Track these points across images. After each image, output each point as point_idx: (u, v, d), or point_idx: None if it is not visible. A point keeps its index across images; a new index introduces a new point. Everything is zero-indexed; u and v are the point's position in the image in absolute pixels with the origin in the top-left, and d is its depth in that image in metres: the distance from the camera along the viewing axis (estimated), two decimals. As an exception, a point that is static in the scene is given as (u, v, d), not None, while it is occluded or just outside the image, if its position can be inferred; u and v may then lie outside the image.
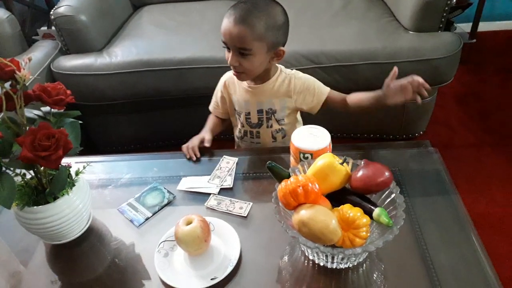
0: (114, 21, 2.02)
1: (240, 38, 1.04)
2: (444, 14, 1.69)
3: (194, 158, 1.14)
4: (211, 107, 1.33)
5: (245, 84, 1.19)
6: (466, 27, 2.70)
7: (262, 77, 1.17)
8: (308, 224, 0.73)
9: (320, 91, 1.19)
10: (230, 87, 1.24)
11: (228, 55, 1.09)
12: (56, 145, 0.74)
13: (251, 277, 0.83)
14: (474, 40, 2.67)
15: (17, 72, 0.75)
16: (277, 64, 1.19)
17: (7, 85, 0.77)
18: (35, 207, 0.83)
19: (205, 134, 1.21)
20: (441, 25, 1.73)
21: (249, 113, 1.22)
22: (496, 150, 1.93)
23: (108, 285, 0.85)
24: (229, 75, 1.25)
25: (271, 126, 1.24)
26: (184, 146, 1.18)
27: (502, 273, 0.88)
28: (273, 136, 1.25)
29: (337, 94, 1.21)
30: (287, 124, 1.25)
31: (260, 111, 1.21)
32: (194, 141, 1.18)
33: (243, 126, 1.26)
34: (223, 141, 1.35)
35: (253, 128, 1.25)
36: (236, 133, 1.32)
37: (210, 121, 1.31)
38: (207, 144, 1.17)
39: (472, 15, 2.60)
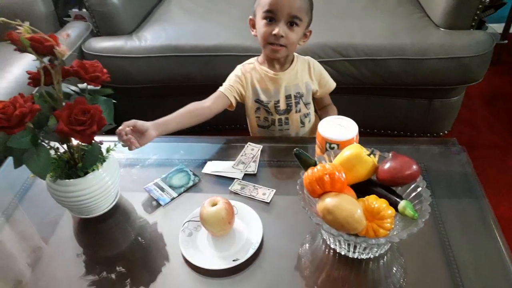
0: (144, 5, 2.03)
1: (296, 5, 1.08)
2: (478, 12, 1.65)
3: (134, 147, 0.97)
4: (223, 88, 1.21)
5: (270, 72, 1.20)
6: (497, 27, 2.63)
7: (283, 63, 1.21)
8: (333, 211, 0.74)
9: (329, 83, 1.28)
10: (252, 78, 1.21)
11: (270, 29, 1.10)
12: (91, 121, 0.76)
13: (272, 261, 0.85)
14: (506, 41, 2.60)
15: (56, 47, 0.77)
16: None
17: (45, 60, 0.79)
18: (66, 180, 0.86)
19: (151, 131, 1.00)
20: (473, 24, 1.69)
21: (278, 101, 1.22)
22: (522, 153, 1.89)
23: (131, 261, 0.87)
24: (246, 69, 1.22)
25: (300, 111, 1.25)
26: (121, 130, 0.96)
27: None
28: (301, 121, 1.26)
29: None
30: (311, 108, 1.28)
31: (288, 97, 1.22)
32: (131, 124, 0.97)
33: (271, 115, 1.25)
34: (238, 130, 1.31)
35: (282, 115, 1.25)
36: (260, 123, 1.29)
37: (183, 111, 1.13)
38: (137, 143, 0.97)
39: (505, 15, 2.53)
